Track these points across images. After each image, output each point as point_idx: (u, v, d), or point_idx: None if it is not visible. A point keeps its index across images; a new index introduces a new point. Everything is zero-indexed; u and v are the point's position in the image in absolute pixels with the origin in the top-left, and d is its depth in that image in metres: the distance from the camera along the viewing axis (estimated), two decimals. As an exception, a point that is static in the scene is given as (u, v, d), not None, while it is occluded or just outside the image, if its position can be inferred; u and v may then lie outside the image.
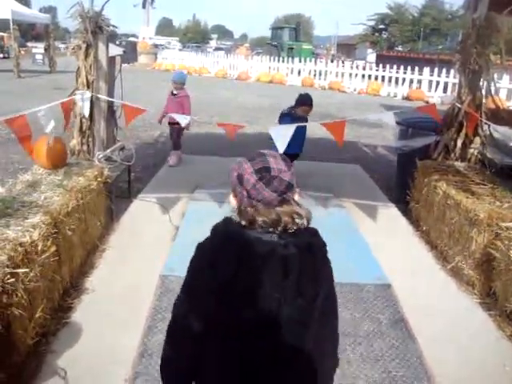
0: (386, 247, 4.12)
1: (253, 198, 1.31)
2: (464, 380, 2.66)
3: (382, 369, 2.66)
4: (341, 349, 2.73)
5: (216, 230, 1.40)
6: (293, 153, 4.83)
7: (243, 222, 1.34)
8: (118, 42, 5.41)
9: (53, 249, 2.86)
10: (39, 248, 2.67)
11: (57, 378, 2.46)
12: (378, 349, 2.82)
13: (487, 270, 3.44)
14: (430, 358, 2.78)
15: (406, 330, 3.01)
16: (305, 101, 5.30)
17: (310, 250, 1.35)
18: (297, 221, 1.33)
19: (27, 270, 2.47)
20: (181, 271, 3.45)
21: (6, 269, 2.29)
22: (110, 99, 4.59)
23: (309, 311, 1.35)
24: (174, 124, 6.17)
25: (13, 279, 2.31)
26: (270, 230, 1.31)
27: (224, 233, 1.37)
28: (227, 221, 1.38)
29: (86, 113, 4.36)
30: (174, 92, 6.32)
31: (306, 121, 5.11)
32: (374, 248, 4.06)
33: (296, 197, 1.36)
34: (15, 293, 2.36)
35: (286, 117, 5.19)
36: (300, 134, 4.75)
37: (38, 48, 26.31)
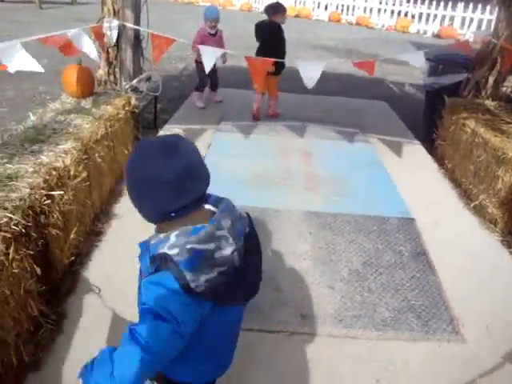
0: (410, 183, 4.13)
1: None
2: (480, 311, 2.72)
3: (402, 297, 2.74)
4: (362, 278, 2.85)
5: None
6: None
7: None
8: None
9: (84, 174, 2.93)
10: (71, 173, 2.75)
11: (91, 294, 2.60)
12: (399, 279, 2.89)
13: (511, 208, 3.44)
14: (449, 289, 2.85)
15: (427, 262, 3.07)
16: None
17: None
18: None
19: (62, 192, 2.55)
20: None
21: (43, 191, 2.37)
22: (137, 27, 4.50)
23: None
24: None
25: (49, 201, 2.39)
26: None
27: None
28: None
29: (113, 41, 4.32)
30: (211, 32, 5.54)
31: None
32: (398, 184, 4.07)
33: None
34: (51, 214, 2.45)
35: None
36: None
37: (59, -23, 25.68)
